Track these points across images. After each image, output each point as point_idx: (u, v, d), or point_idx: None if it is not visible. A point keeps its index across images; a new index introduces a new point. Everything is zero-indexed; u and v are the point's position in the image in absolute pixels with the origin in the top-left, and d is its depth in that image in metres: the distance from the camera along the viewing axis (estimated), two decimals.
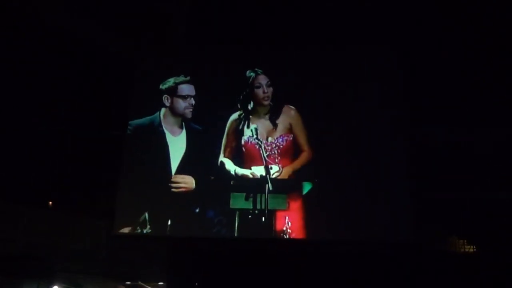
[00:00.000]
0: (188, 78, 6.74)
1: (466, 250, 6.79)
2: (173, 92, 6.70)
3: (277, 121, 6.61)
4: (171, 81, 6.73)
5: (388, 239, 6.31)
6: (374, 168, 6.50)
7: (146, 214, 6.40)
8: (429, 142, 6.86)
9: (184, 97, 6.69)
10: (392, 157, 6.52)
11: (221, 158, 6.56)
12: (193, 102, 6.67)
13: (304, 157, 6.52)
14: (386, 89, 6.80)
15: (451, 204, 6.69)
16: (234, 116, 6.69)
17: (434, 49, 7.08)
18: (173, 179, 6.44)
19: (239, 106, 6.68)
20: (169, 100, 6.71)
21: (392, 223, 6.30)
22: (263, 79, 6.65)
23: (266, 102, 6.63)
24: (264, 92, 6.62)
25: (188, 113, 6.67)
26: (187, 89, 6.72)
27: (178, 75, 6.75)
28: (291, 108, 6.66)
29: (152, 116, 6.75)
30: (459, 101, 6.91)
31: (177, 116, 6.71)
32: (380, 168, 6.50)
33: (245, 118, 6.65)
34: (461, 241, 6.82)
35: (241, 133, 6.60)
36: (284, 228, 6.25)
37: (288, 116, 6.64)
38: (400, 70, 6.81)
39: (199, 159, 6.62)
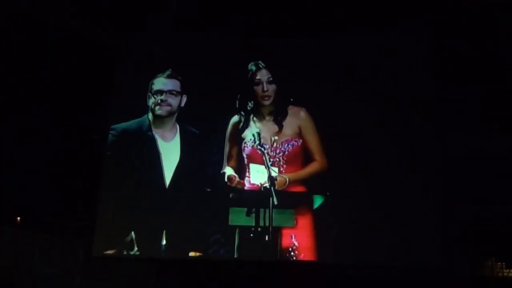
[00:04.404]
0: (169, 72, 5.92)
1: (505, 274, 5.92)
2: (150, 89, 5.94)
3: (283, 123, 5.72)
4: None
5: (414, 262, 5.51)
6: (397, 180, 5.66)
7: (133, 233, 5.66)
8: (462, 151, 5.97)
9: (155, 93, 5.88)
10: (418, 168, 5.69)
11: (225, 168, 5.74)
12: (166, 98, 5.85)
13: (314, 166, 5.66)
14: (412, 88, 5.93)
15: (487, 221, 5.81)
16: (235, 118, 5.84)
17: (469, 44, 6.16)
18: None
19: (237, 105, 5.82)
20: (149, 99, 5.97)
21: (418, 244, 5.49)
22: (263, 75, 5.77)
23: (266, 102, 5.76)
24: (263, 90, 5.74)
25: (156, 109, 5.86)
26: (160, 84, 5.90)
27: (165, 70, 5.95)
28: (301, 109, 5.77)
29: (140, 119, 5.96)
30: (496, 105, 6.05)
31: (164, 117, 5.90)
32: (404, 180, 5.66)
33: (246, 120, 5.79)
34: (499, 264, 5.96)
35: (242, 137, 5.76)
36: (291, 249, 5.47)
37: (297, 118, 5.75)
38: (430, 69, 5.98)
39: (194, 168, 5.83)
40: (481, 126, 6.06)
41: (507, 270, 5.90)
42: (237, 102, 5.83)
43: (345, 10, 6.17)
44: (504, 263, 5.91)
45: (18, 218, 6.01)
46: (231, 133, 5.81)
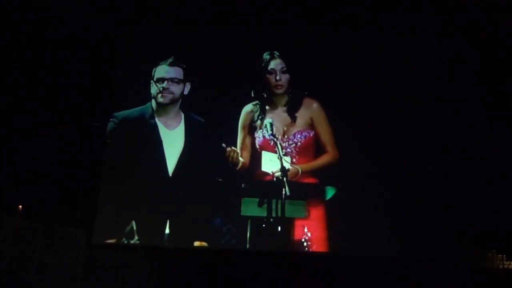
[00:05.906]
0: (171, 59, 5.80)
1: (506, 266, 6.13)
2: (152, 76, 5.81)
3: (296, 114, 5.70)
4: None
5: (419, 255, 5.57)
6: (405, 174, 5.72)
7: (133, 223, 5.52)
8: (466, 145, 6.12)
9: (157, 81, 5.76)
10: (425, 162, 5.77)
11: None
12: (168, 86, 5.73)
13: (326, 158, 5.66)
14: (422, 84, 6.00)
15: (488, 215, 5.99)
16: (248, 107, 5.78)
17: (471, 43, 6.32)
18: None
19: (252, 94, 5.77)
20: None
21: (423, 237, 5.54)
22: (277, 64, 5.73)
23: (279, 91, 5.72)
24: (276, 79, 5.71)
25: (158, 97, 5.75)
26: (162, 71, 5.78)
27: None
28: (313, 101, 5.75)
29: (143, 107, 5.81)
30: (500, 99, 6.22)
31: (166, 105, 5.77)
32: (411, 174, 5.72)
33: (260, 110, 5.74)
34: (500, 256, 6.16)
35: (255, 127, 5.71)
36: (303, 240, 5.43)
37: (309, 109, 5.73)
38: (435, 63, 6.06)
39: (201, 157, 5.70)
40: (484, 122, 6.22)
41: (508, 262, 6.12)
42: (252, 91, 5.78)
43: (352, 7, 6.22)
44: (504, 255, 6.12)
45: (20, 207, 5.78)
46: (244, 122, 5.75)
